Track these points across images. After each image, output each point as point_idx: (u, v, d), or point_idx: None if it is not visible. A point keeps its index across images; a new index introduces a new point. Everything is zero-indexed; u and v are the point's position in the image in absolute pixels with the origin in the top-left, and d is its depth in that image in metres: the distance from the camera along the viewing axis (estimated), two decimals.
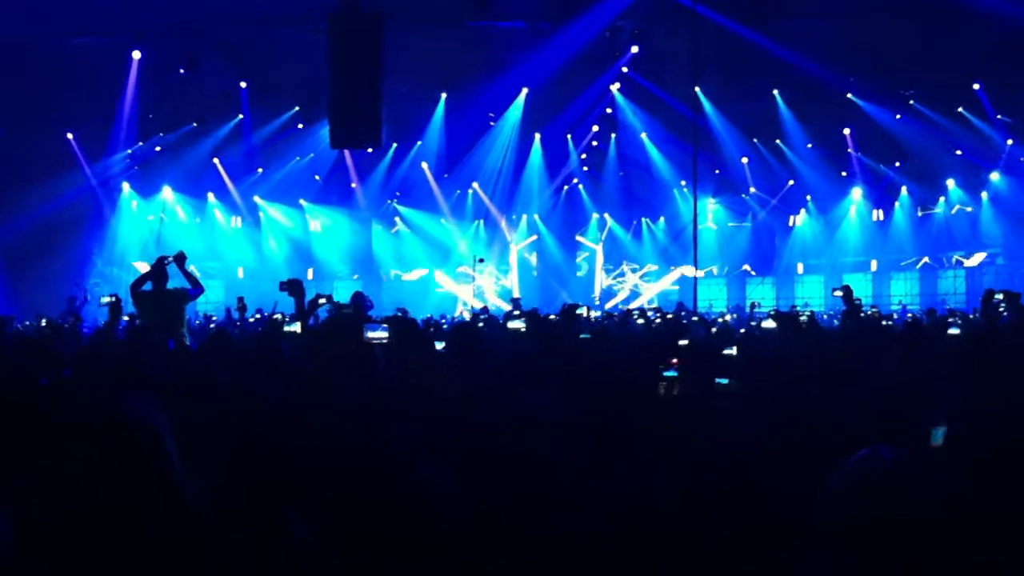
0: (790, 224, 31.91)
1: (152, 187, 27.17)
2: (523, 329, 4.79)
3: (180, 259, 10.28)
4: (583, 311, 5.17)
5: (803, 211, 31.53)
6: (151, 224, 27.59)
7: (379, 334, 2.68)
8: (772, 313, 8.58)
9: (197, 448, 2.09)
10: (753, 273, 32.54)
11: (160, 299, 10.29)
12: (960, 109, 25.41)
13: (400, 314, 13.52)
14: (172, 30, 20.70)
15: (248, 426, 3.20)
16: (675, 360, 4.25)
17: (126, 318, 10.61)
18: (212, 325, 16.86)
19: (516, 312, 11.99)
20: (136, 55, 21.79)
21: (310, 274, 29.20)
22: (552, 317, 9.82)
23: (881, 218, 30.78)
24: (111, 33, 20.55)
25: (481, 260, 23.63)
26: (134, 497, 1.92)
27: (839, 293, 8.47)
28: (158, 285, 10.43)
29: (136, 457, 1.96)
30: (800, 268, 32.12)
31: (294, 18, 19.27)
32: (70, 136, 23.93)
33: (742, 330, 12.82)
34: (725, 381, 3.98)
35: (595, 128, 28.01)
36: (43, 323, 14.75)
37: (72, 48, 20.39)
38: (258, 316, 17.07)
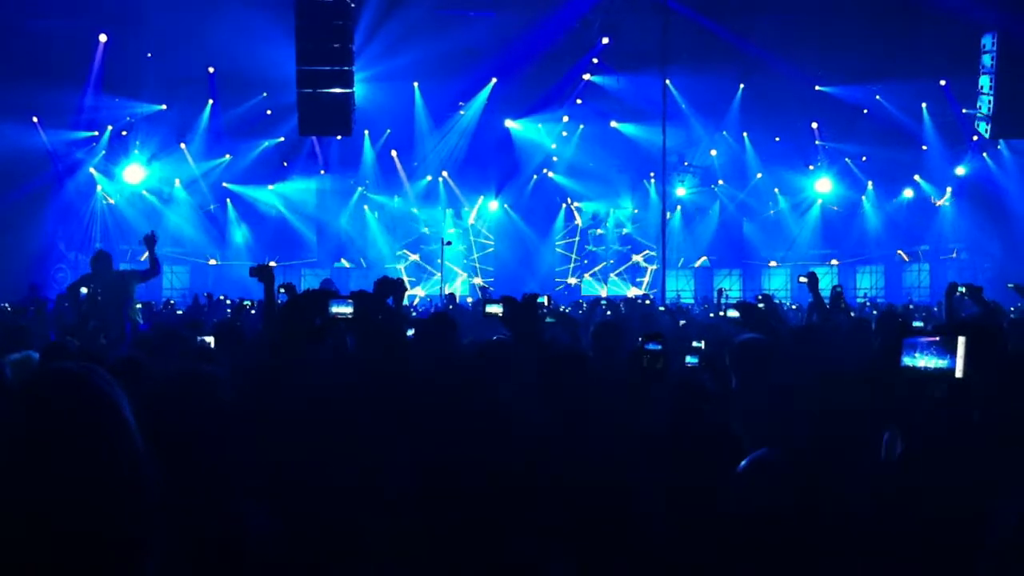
0: (760, 216, 32.06)
1: (118, 172, 26.88)
2: (500, 314, 4.78)
3: (150, 240, 10.49)
4: (544, 300, 5.16)
5: (771, 203, 31.70)
6: (116, 209, 27.31)
7: (344, 309, 2.67)
8: (735, 303, 8.52)
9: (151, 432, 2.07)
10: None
11: (111, 280, 10.42)
12: (925, 105, 25.71)
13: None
14: (139, 13, 20.46)
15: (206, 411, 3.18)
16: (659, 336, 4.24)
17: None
18: (179, 312, 16.71)
19: (486, 300, 11.96)
20: (103, 38, 21.52)
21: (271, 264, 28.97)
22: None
23: (847, 212, 31.00)
24: (77, 16, 20.29)
25: (448, 243, 23.60)
26: (90, 469, 1.90)
27: (804, 280, 8.30)
28: (105, 269, 10.61)
29: (94, 428, 1.94)
30: (772, 263, 32.34)
31: (263, 1, 19.13)
32: (35, 119, 23.62)
33: (711, 315, 12.87)
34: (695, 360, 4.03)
35: (565, 118, 28.04)
36: (7, 307, 14.63)
37: (38, 30, 20.12)
38: (229, 302, 16.94)
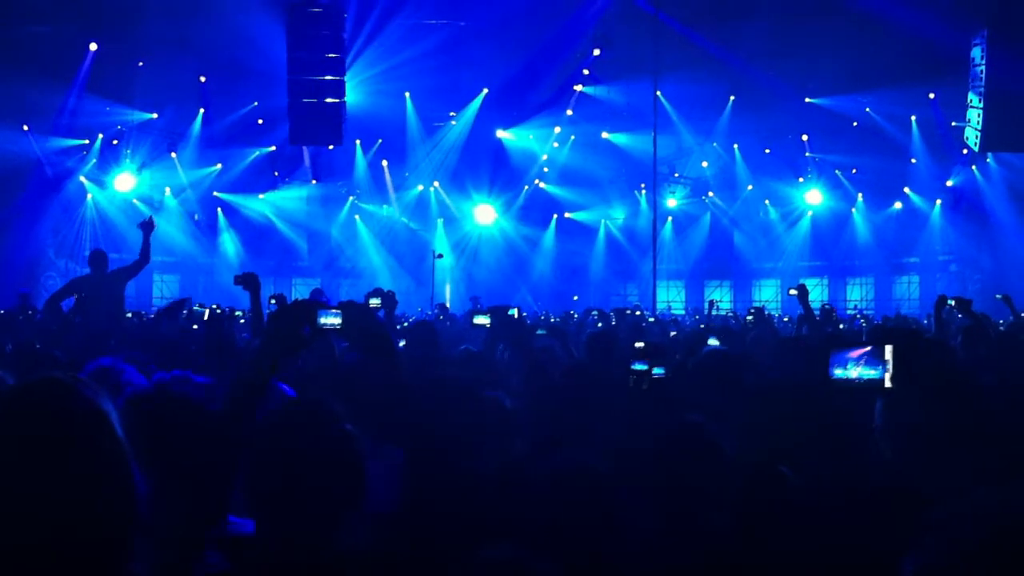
0: (750, 227, 32.12)
1: (108, 180, 26.82)
2: (488, 325, 4.81)
3: (148, 226, 10.27)
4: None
5: (762, 215, 31.78)
6: (106, 217, 27.22)
7: (332, 320, 2.66)
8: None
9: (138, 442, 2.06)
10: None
11: (101, 284, 10.24)
12: (914, 117, 25.82)
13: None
14: (131, 22, 20.46)
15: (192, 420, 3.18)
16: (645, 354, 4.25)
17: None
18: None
19: (476, 309, 11.95)
20: (93, 47, 21.50)
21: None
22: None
23: (837, 223, 31.06)
24: (69, 23, 20.26)
25: (440, 256, 23.53)
26: (77, 481, 1.89)
27: (794, 292, 8.28)
28: (98, 270, 10.40)
29: (84, 442, 1.93)
30: (758, 273, 32.44)
31: (254, 10, 19.14)
32: (26, 127, 23.55)
33: (702, 326, 12.87)
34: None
35: (557, 129, 28.09)
36: None
37: (28, 37, 20.09)
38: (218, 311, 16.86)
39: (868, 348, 2.76)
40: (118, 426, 1.99)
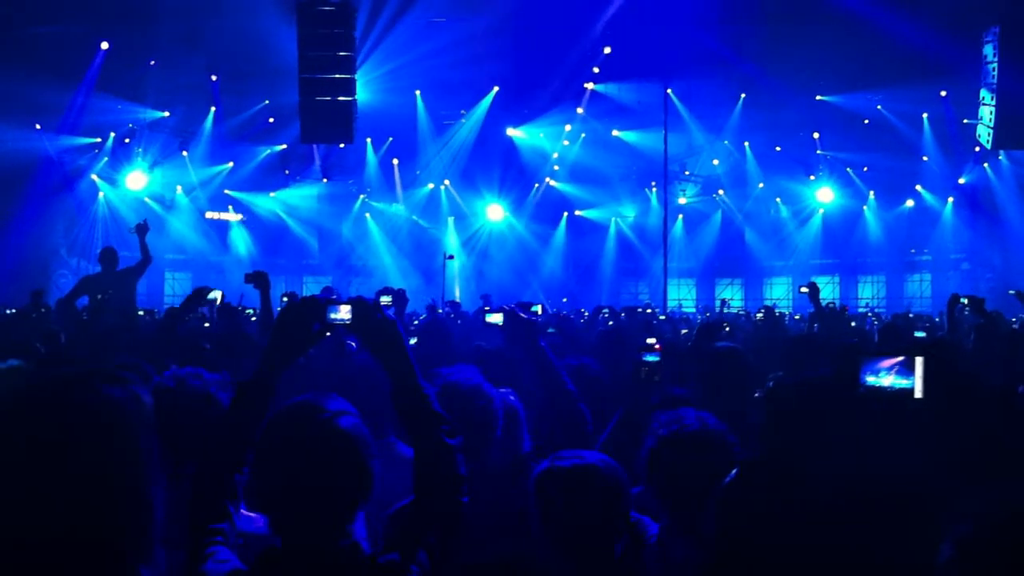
0: (761, 225, 32.04)
1: (120, 178, 26.90)
2: (500, 323, 4.82)
3: (142, 229, 10.45)
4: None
5: (773, 213, 31.70)
6: (118, 215, 27.30)
7: (342, 315, 2.67)
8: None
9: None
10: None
11: (111, 282, 10.36)
12: (926, 115, 25.72)
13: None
14: (142, 20, 20.51)
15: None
16: (657, 347, 4.26)
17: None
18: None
19: (487, 308, 11.92)
20: (104, 45, 21.56)
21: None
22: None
23: (848, 221, 30.98)
24: (79, 22, 20.31)
25: (451, 257, 23.46)
26: (95, 480, 1.89)
27: (805, 290, 8.32)
28: (108, 268, 10.55)
29: (106, 434, 1.93)
30: (769, 271, 32.37)
31: (266, 8, 19.16)
32: (38, 126, 23.63)
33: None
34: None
35: (568, 127, 28.06)
36: (9, 312, 14.63)
37: (40, 37, 20.14)
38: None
39: (901, 358, 2.81)
40: (138, 425, 1.98)
